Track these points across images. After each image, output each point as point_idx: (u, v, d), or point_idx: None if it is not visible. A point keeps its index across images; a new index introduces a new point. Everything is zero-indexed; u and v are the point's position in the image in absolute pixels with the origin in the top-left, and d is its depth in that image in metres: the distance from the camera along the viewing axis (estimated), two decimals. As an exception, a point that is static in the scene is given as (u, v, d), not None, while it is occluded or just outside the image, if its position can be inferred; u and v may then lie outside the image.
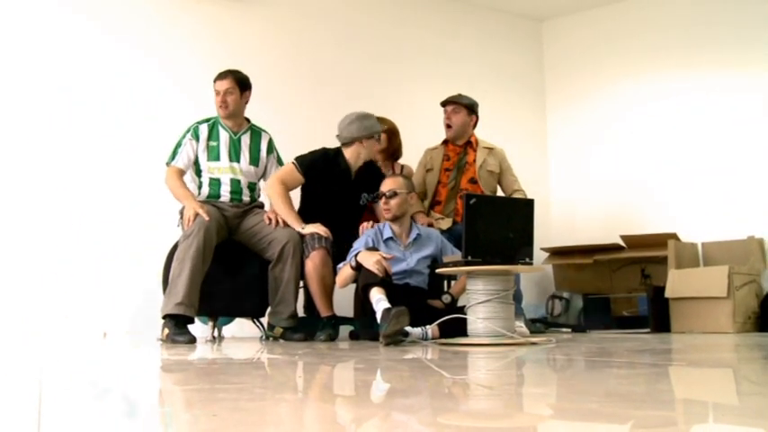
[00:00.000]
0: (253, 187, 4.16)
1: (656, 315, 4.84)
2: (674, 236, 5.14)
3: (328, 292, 3.93)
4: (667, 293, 4.79)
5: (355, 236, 4.00)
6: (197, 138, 4.06)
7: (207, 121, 4.11)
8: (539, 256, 5.75)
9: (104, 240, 4.53)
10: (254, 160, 4.14)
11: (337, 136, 4.20)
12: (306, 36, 5.43)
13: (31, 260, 4.32)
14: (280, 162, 4.24)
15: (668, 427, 1.18)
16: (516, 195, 4.63)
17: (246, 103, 4.14)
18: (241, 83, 4.06)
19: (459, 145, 4.71)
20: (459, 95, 4.74)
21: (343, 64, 5.54)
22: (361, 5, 5.72)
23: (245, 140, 4.14)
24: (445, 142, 4.78)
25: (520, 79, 6.44)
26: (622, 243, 5.42)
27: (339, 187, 4.15)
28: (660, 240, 5.12)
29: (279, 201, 4.01)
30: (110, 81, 4.68)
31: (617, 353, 2.78)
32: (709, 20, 5.63)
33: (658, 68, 5.86)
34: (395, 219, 3.88)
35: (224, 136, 4.09)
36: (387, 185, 3.91)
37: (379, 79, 5.67)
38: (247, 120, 4.21)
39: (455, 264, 3.60)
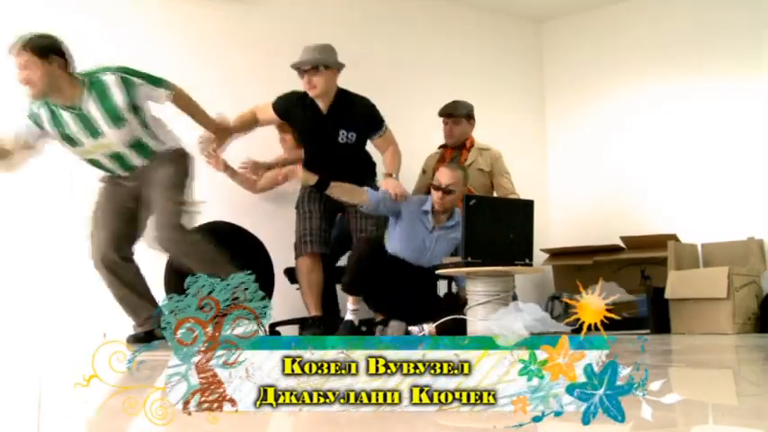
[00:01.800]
0: (138, 144, 3.48)
1: (656, 316, 4.84)
2: (673, 237, 5.14)
3: (315, 292, 3.89)
4: (667, 294, 4.79)
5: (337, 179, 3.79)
6: (39, 125, 3.37)
7: (38, 106, 3.35)
8: (538, 257, 5.75)
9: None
10: (115, 120, 3.35)
11: (305, 62, 3.89)
12: (301, 38, 5.42)
13: (31, 260, 4.32)
14: (153, 81, 3.45)
15: (668, 428, 1.18)
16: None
17: (62, 69, 3.28)
18: (40, 50, 3.23)
19: (455, 147, 4.70)
20: (455, 105, 4.67)
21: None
22: (357, 8, 5.70)
23: (91, 107, 3.33)
24: (443, 146, 4.77)
25: (519, 81, 6.43)
26: (622, 244, 5.42)
27: (314, 124, 3.94)
28: (660, 241, 5.12)
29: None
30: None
31: (617, 354, 2.78)
32: (713, 22, 5.62)
33: (659, 70, 5.86)
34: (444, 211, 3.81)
35: (66, 116, 3.34)
36: (446, 178, 3.75)
37: (375, 82, 5.63)
38: (80, 81, 3.33)
39: (455, 264, 3.60)
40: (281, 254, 4.41)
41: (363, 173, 4.03)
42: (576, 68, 6.34)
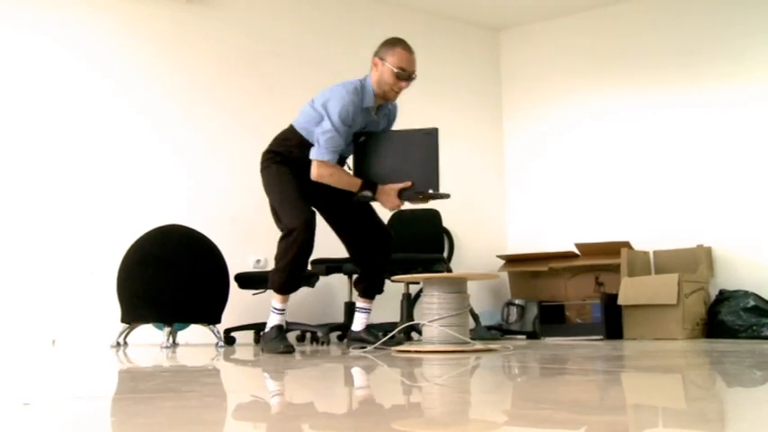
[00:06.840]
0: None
1: (609, 322, 4.92)
2: (626, 244, 5.23)
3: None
4: (620, 301, 4.87)
5: None
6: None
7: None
8: (495, 263, 5.81)
9: (56, 249, 4.47)
10: None
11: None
12: (256, 43, 5.39)
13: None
14: None
15: (619, 432, 1.20)
16: None
17: None
18: None
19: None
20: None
21: (292, 71, 5.45)
22: (315, 11, 5.68)
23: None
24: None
25: (476, 89, 6.48)
26: (577, 251, 5.49)
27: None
28: (613, 248, 5.20)
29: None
30: (60, 92, 4.62)
31: (570, 360, 2.81)
32: (664, 33, 5.76)
33: (614, 80, 5.97)
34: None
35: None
36: (414, 65, 3.59)
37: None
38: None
39: (364, 196, 3.54)
40: (233, 260, 4.38)
41: None
42: (532, 78, 6.42)
